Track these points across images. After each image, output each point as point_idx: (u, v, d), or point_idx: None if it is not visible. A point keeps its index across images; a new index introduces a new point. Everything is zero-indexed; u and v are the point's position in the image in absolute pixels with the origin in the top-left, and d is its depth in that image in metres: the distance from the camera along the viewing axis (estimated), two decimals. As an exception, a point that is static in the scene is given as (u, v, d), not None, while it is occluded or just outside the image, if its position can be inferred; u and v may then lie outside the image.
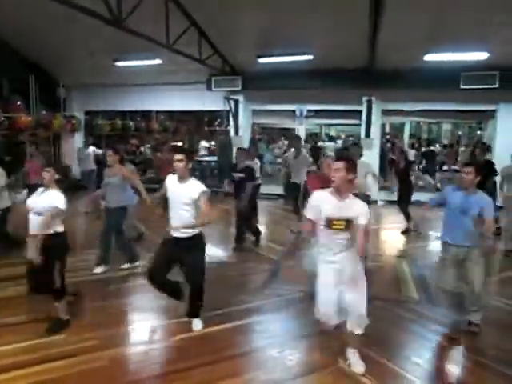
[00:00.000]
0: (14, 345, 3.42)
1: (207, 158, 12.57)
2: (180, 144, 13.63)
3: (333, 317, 3.09)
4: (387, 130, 18.24)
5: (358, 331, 3.07)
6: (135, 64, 9.44)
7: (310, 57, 8.38)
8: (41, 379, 3.01)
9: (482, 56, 7.71)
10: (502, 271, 5.46)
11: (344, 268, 3.02)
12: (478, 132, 17.66)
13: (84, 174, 9.66)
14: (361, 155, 5.86)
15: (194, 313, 3.79)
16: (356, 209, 2.96)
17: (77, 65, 10.48)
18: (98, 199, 6.06)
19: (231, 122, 11.04)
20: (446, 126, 19.31)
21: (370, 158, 8.52)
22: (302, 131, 11.71)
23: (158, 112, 12.40)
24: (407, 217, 7.34)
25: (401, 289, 4.84)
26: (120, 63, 9.44)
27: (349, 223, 2.93)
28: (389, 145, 14.14)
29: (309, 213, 3.06)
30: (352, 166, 2.96)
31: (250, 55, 8.73)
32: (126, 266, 5.33)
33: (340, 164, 2.95)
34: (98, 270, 5.19)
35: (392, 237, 7.28)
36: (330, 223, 2.94)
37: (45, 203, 3.54)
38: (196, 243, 3.61)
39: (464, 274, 3.78)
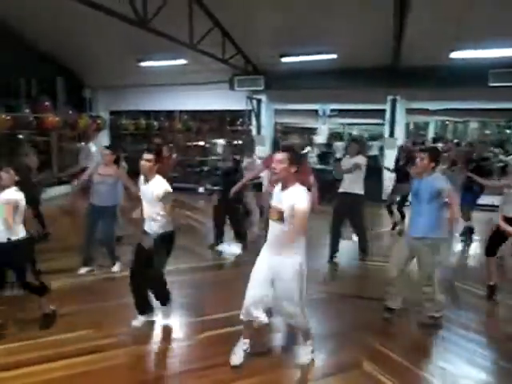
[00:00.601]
0: (45, 338, 3.52)
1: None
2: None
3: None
4: (411, 129, 17.93)
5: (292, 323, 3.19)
6: (159, 64, 9.56)
7: (334, 56, 8.31)
8: (66, 373, 3.08)
9: (511, 52, 7.48)
10: None
11: (275, 262, 2.99)
12: (508, 131, 17.17)
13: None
14: (359, 152, 5.81)
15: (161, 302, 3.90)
16: (291, 199, 2.89)
17: (102, 66, 10.68)
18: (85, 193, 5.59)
19: (253, 122, 11.05)
20: (473, 125, 18.83)
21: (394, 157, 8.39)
22: (324, 131, 11.61)
23: (181, 112, 12.50)
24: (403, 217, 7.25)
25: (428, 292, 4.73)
26: (144, 63, 9.58)
27: (281, 215, 2.92)
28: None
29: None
30: (295, 158, 2.95)
31: (273, 55, 8.72)
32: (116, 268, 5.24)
33: (282, 155, 2.93)
34: (83, 270, 5.10)
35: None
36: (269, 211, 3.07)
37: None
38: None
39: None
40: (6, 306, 3.90)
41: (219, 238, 6.30)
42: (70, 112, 10.66)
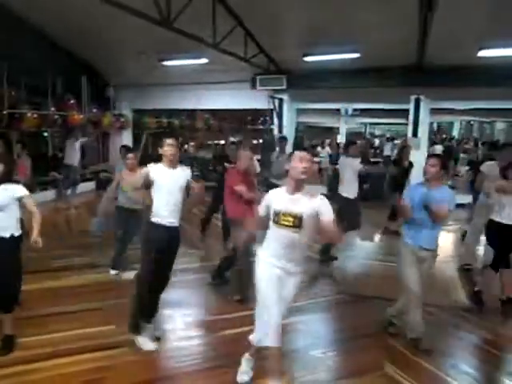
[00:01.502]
0: (68, 332, 3.59)
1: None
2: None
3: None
4: (434, 129, 17.62)
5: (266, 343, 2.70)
6: (181, 63, 9.63)
7: (357, 54, 8.21)
8: (92, 366, 3.14)
9: (542, 51, 7.25)
10: None
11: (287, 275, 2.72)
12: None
13: (69, 168, 9.27)
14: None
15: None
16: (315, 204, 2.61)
17: (125, 65, 10.83)
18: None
19: (275, 121, 11.04)
20: (500, 125, 18.37)
21: (417, 157, 8.27)
22: (344, 130, 11.53)
23: (202, 110, 12.59)
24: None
25: (450, 294, 4.65)
26: (167, 63, 9.67)
27: (298, 220, 2.60)
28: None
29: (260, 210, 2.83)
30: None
31: (296, 54, 8.68)
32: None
33: (309, 155, 2.69)
34: (113, 272, 5.02)
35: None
36: (277, 218, 2.66)
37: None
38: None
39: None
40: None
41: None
42: (95, 110, 10.87)
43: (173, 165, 3.36)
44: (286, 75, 9.91)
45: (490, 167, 5.12)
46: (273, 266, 2.72)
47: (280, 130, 10.89)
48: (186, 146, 14.70)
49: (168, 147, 3.32)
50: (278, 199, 2.70)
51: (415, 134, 9.87)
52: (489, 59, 7.79)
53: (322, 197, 2.67)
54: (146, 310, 3.46)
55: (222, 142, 14.52)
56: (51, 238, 5.91)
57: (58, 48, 9.77)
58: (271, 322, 2.63)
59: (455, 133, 18.32)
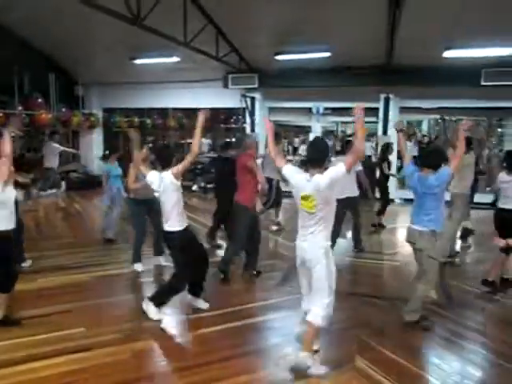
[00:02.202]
0: (36, 336, 3.50)
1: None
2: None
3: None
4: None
5: (319, 322, 2.98)
6: (152, 62, 9.53)
7: (328, 54, 8.33)
8: (62, 371, 3.07)
9: (503, 52, 7.55)
10: None
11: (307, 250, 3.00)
12: (499, 129, 17.31)
13: (50, 171, 9.24)
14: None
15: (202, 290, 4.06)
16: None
17: (95, 63, 10.63)
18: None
19: (247, 120, 11.06)
20: (465, 124, 18.97)
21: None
22: (318, 129, 11.66)
23: (174, 109, 12.47)
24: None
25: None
26: (137, 61, 9.54)
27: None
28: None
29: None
30: None
31: (267, 53, 8.72)
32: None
33: None
34: (140, 268, 5.10)
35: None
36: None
37: None
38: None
39: None
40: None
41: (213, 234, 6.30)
42: (63, 109, 10.61)
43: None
44: (258, 74, 9.96)
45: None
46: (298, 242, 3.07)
47: (252, 129, 10.93)
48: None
49: None
50: (300, 183, 2.98)
51: (385, 132, 10.10)
52: (454, 59, 8.06)
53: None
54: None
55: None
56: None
57: (25, 46, 9.51)
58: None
59: (424, 131, 18.77)
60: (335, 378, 3.07)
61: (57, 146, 9.38)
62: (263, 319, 3.94)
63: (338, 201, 3.09)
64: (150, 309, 3.77)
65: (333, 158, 6.00)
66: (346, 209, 5.60)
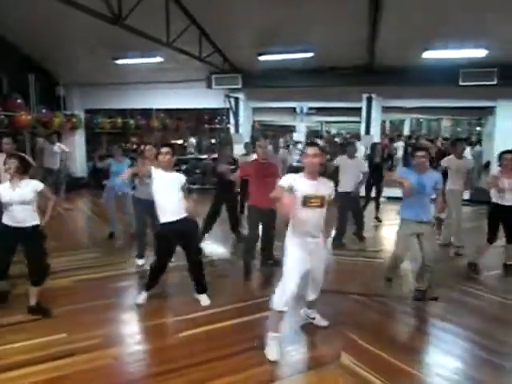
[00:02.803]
0: (16, 344, 3.43)
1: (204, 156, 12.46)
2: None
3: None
4: (387, 126, 18.28)
5: (315, 297, 3.64)
6: (135, 62, 9.43)
7: (311, 54, 8.38)
8: (43, 378, 3.01)
9: (480, 53, 7.71)
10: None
11: (313, 245, 3.32)
12: (478, 128, 17.69)
13: (50, 172, 9.15)
14: (355, 152, 6.56)
15: (200, 288, 4.23)
16: (328, 187, 3.34)
17: (77, 63, 10.46)
18: None
19: (231, 120, 11.06)
20: (446, 123, 19.35)
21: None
22: (302, 128, 11.73)
23: (158, 110, 12.39)
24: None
25: (401, 284, 4.87)
26: (120, 61, 9.43)
27: (323, 200, 3.24)
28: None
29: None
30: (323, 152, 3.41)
31: (251, 53, 8.73)
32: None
33: (317, 150, 3.23)
34: (141, 262, 5.35)
35: (392, 233, 7.30)
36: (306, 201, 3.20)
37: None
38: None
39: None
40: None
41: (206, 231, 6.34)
42: (44, 110, 10.42)
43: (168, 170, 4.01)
44: (242, 74, 9.96)
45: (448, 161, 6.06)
46: (301, 244, 3.27)
47: (237, 129, 10.93)
48: (142, 147, 14.36)
49: (162, 155, 3.95)
50: (302, 185, 3.19)
51: (368, 131, 10.22)
52: (433, 60, 8.20)
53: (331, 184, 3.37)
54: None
55: (180, 141, 14.35)
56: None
57: (4, 45, 9.30)
58: (287, 289, 3.23)
59: (406, 130, 19.08)
60: (321, 375, 3.10)
61: (55, 147, 9.25)
62: (251, 318, 3.94)
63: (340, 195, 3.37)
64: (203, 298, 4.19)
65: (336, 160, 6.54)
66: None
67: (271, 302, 3.30)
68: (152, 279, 4.19)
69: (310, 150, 3.21)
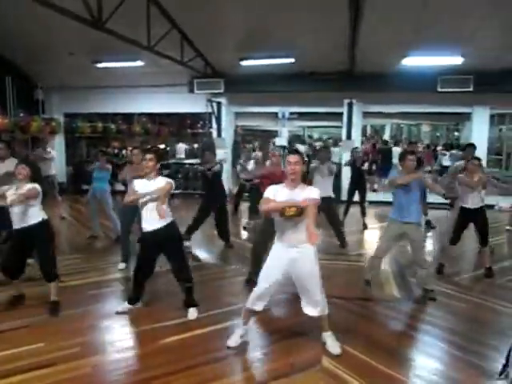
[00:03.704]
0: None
1: (189, 161, 12.52)
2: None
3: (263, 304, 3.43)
4: (368, 131, 18.54)
5: (315, 314, 3.39)
6: (116, 66, 9.35)
7: (292, 60, 8.46)
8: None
9: (457, 60, 7.91)
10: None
11: (293, 254, 3.28)
12: (456, 133, 18.09)
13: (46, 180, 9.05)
14: (329, 158, 6.68)
15: (188, 302, 4.12)
16: (309, 194, 3.19)
17: (56, 66, 10.30)
18: None
19: (214, 125, 11.04)
20: (425, 128, 19.73)
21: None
22: (284, 133, 11.77)
23: (139, 114, 12.29)
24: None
25: (383, 287, 4.92)
26: (100, 64, 9.33)
27: (299, 210, 3.11)
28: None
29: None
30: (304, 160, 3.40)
31: (233, 58, 8.75)
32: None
33: (297, 158, 3.25)
34: (122, 266, 5.40)
35: (373, 237, 7.40)
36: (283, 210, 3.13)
37: None
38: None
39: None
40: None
41: (191, 233, 6.41)
42: (22, 114, 10.21)
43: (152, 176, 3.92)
44: (224, 79, 9.96)
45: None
46: (281, 251, 3.31)
47: (219, 134, 10.92)
48: (123, 151, 14.22)
49: (146, 161, 3.89)
50: (280, 194, 3.21)
51: (349, 136, 10.34)
52: (411, 67, 8.38)
53: (312, 187, 3.31)
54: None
55: (162, 146, 14.25)
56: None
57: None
58: (255, 289, 3.40)
59: (387, 135, 19.37)
60: (302, 379, 3.10)
61: (45, 152, 9.00)
62: (231, 324, 3.92)
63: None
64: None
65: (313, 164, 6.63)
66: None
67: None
68: (134, 286, 4.11)
69: (291, 158, 3.23)
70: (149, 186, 3.87)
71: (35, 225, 4.02)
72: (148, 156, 3.91)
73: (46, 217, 4.13)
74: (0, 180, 5.18)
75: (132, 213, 5.03)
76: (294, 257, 3.27)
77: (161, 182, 3.89)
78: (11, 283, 4.27)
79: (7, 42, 9.15)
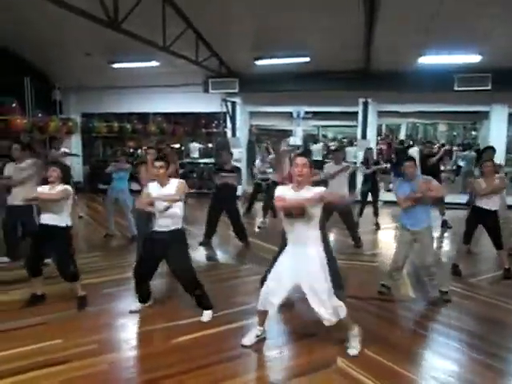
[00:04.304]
0: (12, 350, 3.39)
1: (203, 160, 12.56)
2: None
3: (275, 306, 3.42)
4: (383, 131, 18.34)
5: (326, 323, 3.30)
6: (132, 66, 9.45)
7: (307, 59, 8.42)
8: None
9: (475, 59, 7.78)
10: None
11: (302, 255, 3.28)
12: (473, 132, 17.76)
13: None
14: (344, 158, 6.74)
15: (201, 305, 4.04)
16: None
17: (73, 67, 10.48)
18: None
19: (228, 124, 11.07)
20: (442, 127, 19.42)
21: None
22: (299, 133, 11.74)
23: (155, 114, 12.38)
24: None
25: (399, 288, 4.87)
26: (116, 65, 9.45)
27: (305, 211, 3.15)
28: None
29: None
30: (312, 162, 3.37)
31: (247, 57, 8.77)
32: None
33: (305, 160, 3.27)
34: None
35: (388, 236, 7.33)
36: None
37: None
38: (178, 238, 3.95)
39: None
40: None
41: (210, 237, 6.45)
42: (40, 114, 10.39)
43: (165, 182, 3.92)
44: (238, 78, 9.98)
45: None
46: (291, 253, 3.33)
47: (233, 133, 10.95)
48: (139, 151, 14.34)
49: (156, 169, 3.86)
50: (286, 195, 3.22)
51: (364, 135, 10.25)
52: (428, 65, 8.27)
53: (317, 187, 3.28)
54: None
55: (177, 145, 14.33)
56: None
57: (-2, 48, 9.28)
58: (263, 291, 3.44)
59: (402, 134, 19.13)
60: (317, 379, 3.09)
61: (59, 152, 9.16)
62: (246, 323, 3.92)
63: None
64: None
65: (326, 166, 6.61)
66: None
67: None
68: (136, 285, 4.10)
69: (300, 160, 3.25)
70: (162, 190, 3.88)
71: (59, 227, 4.13)
72: (158, 164, 3.87)
73: (70, 223, 4.23)
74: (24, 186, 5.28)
75: (148, 216, 5.02)
76: (301, 259, 3.27)
77: (173, 186, 3.88)
78: (32, 281, 4.32)
79: (26, 43, 9.32)
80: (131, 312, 4.11)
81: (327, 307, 3.25)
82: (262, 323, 3.55)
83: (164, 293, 4.67)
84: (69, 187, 4.19)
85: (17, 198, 5.22)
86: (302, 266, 3.27)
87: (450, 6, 6.30)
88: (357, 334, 3.42)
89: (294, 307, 4.27)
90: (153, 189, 3.93)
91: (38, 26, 8.17)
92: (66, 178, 4.28)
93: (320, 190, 3.21)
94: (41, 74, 10.99)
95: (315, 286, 3.26)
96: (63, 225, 4.16)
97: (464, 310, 4.29)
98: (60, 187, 4.12)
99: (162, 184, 3.89)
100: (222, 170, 6.35)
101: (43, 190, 4.21)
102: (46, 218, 4.15)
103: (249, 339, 3.49)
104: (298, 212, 3.17)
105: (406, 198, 4.37)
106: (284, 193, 3.27)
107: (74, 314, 4.09)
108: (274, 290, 3.36)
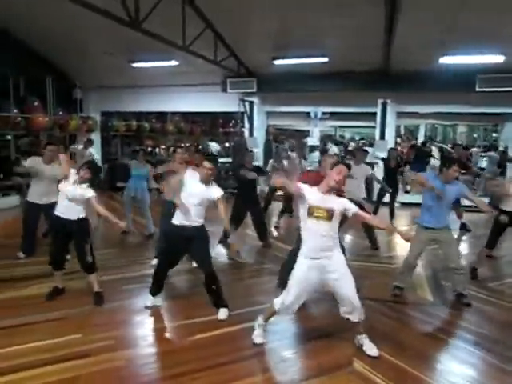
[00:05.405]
0: (31, 344, 3.45)
1: (220, 160, 12.64)
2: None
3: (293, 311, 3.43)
4: (402, 132, 18.13)
5: (356, 319, 3.34)
6: (151, 65, 9.54)
7: (326, 59, 8.37)
8: (56, 379, 3.03)
9: (498, 59, 7.61)
10: None
11: (326, 260, 3.24)
12: (494, 134, 17.41)
13: None
14: (364, 160, 6.69)
15: (216, 303, 4.04)
16: (343, 204, 3.23)
17: (93, 66, 10.63)
18: None
19: (246, 124, 11.09)
20: (461, 129, 19.09)
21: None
22: (316, 133, 11.69)
23: (173, 113, 12.48)
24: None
25: (416, 291, 4.81)
26: (136, 64, 9.55)
27: (330, 213, 3.15)
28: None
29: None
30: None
31: (266, 57, 8.76)
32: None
33: (347, 172, 3.27)
34: (155, 261, 5.25)
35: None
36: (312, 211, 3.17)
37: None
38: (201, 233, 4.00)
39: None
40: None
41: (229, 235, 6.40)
42: (61, 112, 10.59)
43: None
44: (256, 78, 9.98)
45: None
46: (310, 257, 3.25)
47: (251, 133, 10.96)
48: (157, 150, 14.52)
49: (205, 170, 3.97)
50: (312, 196, 3.19)
51: (383, 136, 10.15)
52: (449, 65, 8.12)
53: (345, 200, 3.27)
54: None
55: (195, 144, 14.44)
56: (11, 247, 5.75)
57: (21, 48, 9.47)
58: (285, 299, 3.33)
59: (421, 135, 18.89)
60: (332, 381, 3.07)
61: (86, 150, 9.41)
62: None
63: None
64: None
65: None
66: None
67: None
68: (154, 281, 4.16)
69: (344, 170, 3.22)
70: (201, 187, 3.97)
71: (77, 219, 4.20)
72: (208, 165, 3.96)
73: (85, 215, 4.29)
74: (46, 184, 5.36)
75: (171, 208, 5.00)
76: (324, 264, 3.23)
77: (214, 191, 4.04)
78: (55, 274, 4.40)
79: (49, 43, 9.51)
80: (147, 307, 4.15)
81: (355, 311, 3.31)
82: (267, 320, 3.56)
83: (182, 290, 4.71)
84: (91, 192, 4.20)
85: (47, 195, 5.29)
86: (329, 276, 3.24)
87: (472, 6, 6.19)
88: (366, 335, 3.42)
89: (309, 307, 4.25)
90: (188, 177, 4.01)
91: (61, 27, 8.30)
92: (94, 180, 4.31)
93: (347, 205, 3.21)
94: (62, 74, 11.19)
95: (344, 290, 3.26)
96: (79, 217, 4.22)
97: (483, 315, 4.22)
98: (82, 190, 4.17)
99: (205, 183, 4.00)
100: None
101: (65, 185, 4.26)
102: (62, 210, 4.21)
103: (260, 337, 3.51)
104: (323, 214, 3.14)
105: (429, 184, 4.24)
106: (310, 193, 3.20)
107: (91, 309, 4.15)
108: (296, 302, 3.34)
